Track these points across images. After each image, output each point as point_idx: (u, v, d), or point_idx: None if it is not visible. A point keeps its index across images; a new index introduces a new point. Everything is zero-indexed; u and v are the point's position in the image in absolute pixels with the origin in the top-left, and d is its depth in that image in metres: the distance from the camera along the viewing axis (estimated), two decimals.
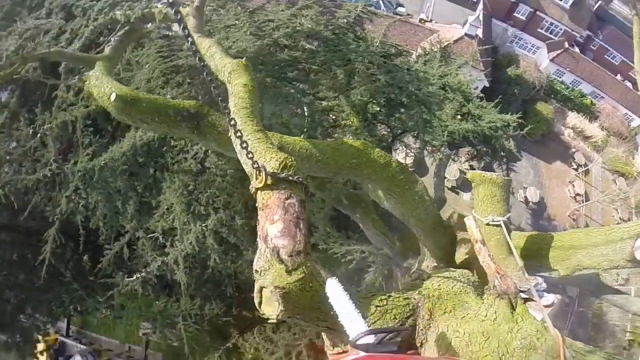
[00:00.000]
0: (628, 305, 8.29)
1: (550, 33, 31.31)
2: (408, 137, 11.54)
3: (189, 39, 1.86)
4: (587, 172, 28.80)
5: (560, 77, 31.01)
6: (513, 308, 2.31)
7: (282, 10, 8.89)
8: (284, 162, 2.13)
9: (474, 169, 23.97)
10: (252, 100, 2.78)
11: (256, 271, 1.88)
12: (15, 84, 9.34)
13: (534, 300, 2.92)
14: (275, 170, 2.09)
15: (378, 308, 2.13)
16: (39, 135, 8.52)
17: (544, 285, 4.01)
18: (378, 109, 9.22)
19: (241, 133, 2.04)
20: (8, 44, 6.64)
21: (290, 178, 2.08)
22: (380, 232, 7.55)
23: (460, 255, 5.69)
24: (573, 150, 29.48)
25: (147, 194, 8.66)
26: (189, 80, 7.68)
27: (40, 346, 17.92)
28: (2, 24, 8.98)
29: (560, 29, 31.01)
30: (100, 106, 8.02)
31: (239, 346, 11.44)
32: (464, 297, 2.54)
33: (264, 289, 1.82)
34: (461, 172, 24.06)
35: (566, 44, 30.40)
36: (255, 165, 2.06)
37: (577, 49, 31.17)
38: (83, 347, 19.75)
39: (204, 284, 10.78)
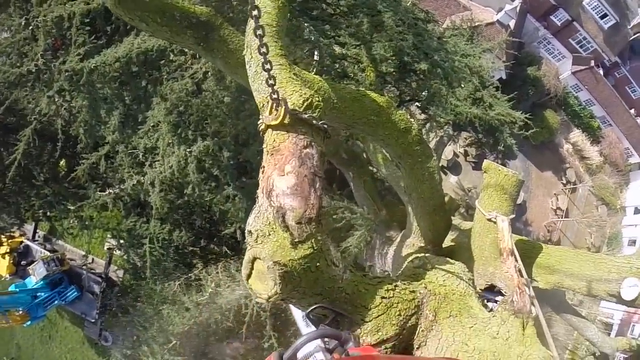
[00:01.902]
0: (584, 329, 8.48)
1: (581, 47, 30.35)
2: (414, 107, 11.11)
3: None
4: (573, 190, 29.01)
5: (576, 92, 30.47)
6: (523, 328, 2.03)
7: None
8: (309, 100, 1.67)
9: (468, 155, 23.99)
10: (279, 19, 2.27)
11: (250, 233, 1.46)
12: None
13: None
14: (297, 108, 1.62)
15: (384, 300, 1.78)
16: (31, 27, 7.88)
17: None
18: (392, 69, 8.70)
19: (267, 49, 1.53)
20: None
21: (314, 122, 1.63)
22: (370, 195, 7.25)
23: (446, 241, 5.48)
24: (567, 165, 29.54)
25: (134, 107, 8.17)
26: None
27: (4, 248, 17.76)
28: None
29: (592, 47, 30.08)
30: (101, 5, 7.39)
31: (200, 278, 11.36)
32: (469, 300, 2.25)
33: (257, 260, 1.41)
34: (455, 154, 23.88)
35: (592, 63, 29.52)
36: (274, 96, 1.58)
37: (601, 71, 30.36)
38: (47, 253, 19.68)
39: (176, 210, 10.54)
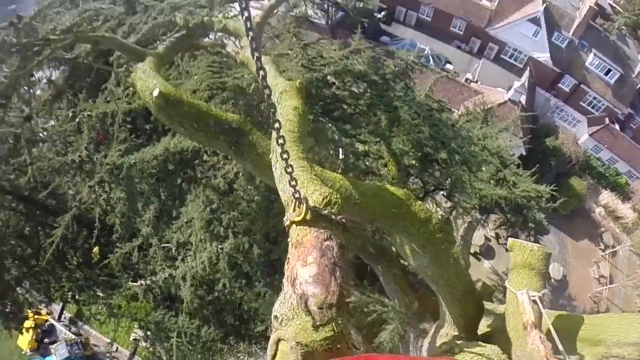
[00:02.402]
0: None
1: (592, 107, 30.92)
2: (439, 196, 11.21)
3: (255, 53, 1.68)
4: (614, 254, 27.38)
5: (597, 153, 30.21)
6: None
7: (334, 50, 8.94)
8: (328, 198, 1.89)
9: (500, 237, 23.38)
10: (300, 125, 2.59)
11: (275, 317, 1.60)
12: (65, 64, 9.60)
13: None
14: (318, 205, 1.84)
15: None
16: (77, 120, 8.68)
17: None
18: (414, 161, 9.02)
19: (288, 155, 1.80)
20: (65, 20, 6.71)
21: (333, 217, 1.83)
22: (400, 288, 7.14)
23: (482, 326, 5.27)
24: (602, 229, 28.26)
25: (169, 203, 8.60)
26: (233, 101, 7.69)
27: (29, 323, 17.81)
28: (65, 4, 9.37)
29: (603, 104, 30.57)
30: (142, 106, 8.22)
31: None
32: None
33: (282, 341, 1.53)
34: (486, 238, 23.38)
35: (607, 120, 29.76)
36: (297, 195, 1.82)
37: (617, 126, 30.50)
38: (71, 335, 19.61)
39: (206, 305, 10.45)
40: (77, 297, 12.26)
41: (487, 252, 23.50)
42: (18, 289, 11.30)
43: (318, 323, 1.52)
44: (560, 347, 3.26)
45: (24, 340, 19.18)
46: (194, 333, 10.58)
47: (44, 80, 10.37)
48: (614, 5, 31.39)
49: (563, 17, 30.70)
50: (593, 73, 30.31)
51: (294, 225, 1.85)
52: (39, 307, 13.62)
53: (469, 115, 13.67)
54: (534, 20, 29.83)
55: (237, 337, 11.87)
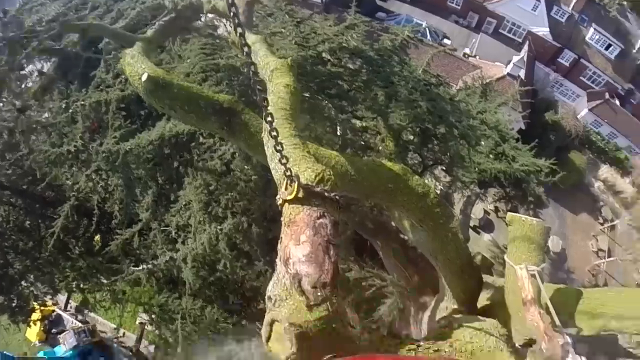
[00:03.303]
0: None
1: (592, 82, 30.66)
2: (438, 170, 11.20)
3: (238, 29, 1.60)
4: (612, 228, 27.44)
5: (597, 128, 30.07)
6: None
7: (329, 26, 8.76)
8: (320, 175, 1.84)
9: (499, 210, 23.44)
10: (292, 102, 2.54)
11: (269, 298, 1.57)
12: (56, 56, 9.45)
13: None
14: (310, 183, 1.80)
15: None
16: (70, 110, 8.62)
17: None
18: (412, 137, 8.95)
19: (277, 133, 1.75)
20: (50, 10, 6.62)
21: (326, 194, 1.79)
22: (400, 263, 7.18)
23: (482, 300, 5.31)
24: (601, 204, 28.31)
25: (167, 187, 8.61)
26: (227, 81, 7.59)
27: (36, 315, 18.08)
28: None
29: (603, 79, 30.34)
30: (135, 92, 8.12)
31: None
32: (498, 355, 2.20)
33: (275, 322, 1.51)
34: (485, 212, 23.48)
35: (607, 95, 29.46)
36: (288, 173, 1.77)
37: (617, 101, 30.18)
38: (78, 324, 19.95)
39: (208, 286, 10.55)
40: (81, 285, 12.32)
41: (486, 225, 23.66)
42: (23, 282, 11.40)
43: (312, 303, 1.49)
44: (558, 322, 3.28)
45: (33, 333, 19.52)
46: (198, 314, 10.70)
47: (36, 74, 10.26)
48: None
49: None
50: (593, 48, 30.07)
51: (286, 204, 1.81)
52: (45, 298, 13.75)
53: (468, 90, 13.56)
54: None
55: (240, 315, 12.01)
